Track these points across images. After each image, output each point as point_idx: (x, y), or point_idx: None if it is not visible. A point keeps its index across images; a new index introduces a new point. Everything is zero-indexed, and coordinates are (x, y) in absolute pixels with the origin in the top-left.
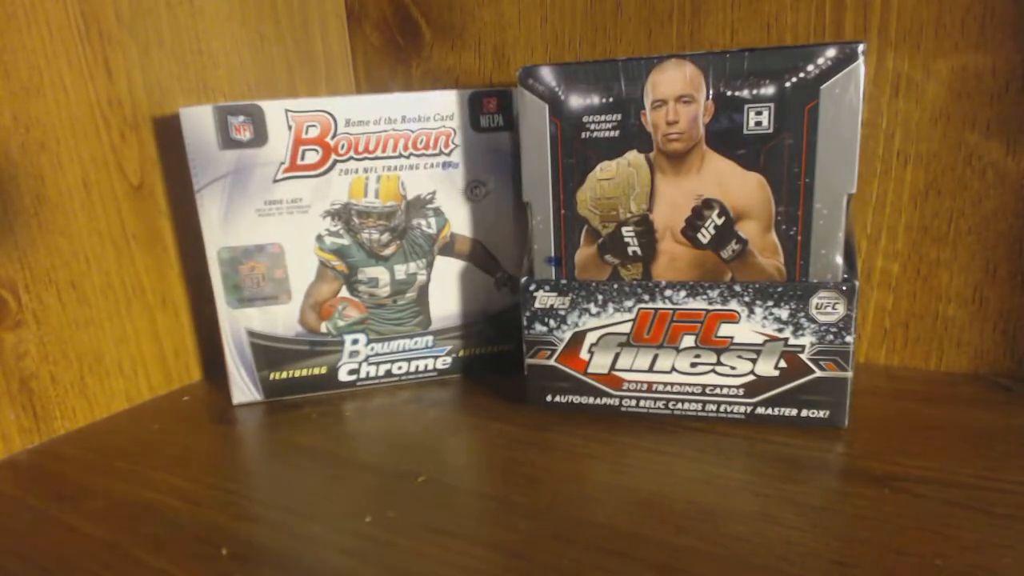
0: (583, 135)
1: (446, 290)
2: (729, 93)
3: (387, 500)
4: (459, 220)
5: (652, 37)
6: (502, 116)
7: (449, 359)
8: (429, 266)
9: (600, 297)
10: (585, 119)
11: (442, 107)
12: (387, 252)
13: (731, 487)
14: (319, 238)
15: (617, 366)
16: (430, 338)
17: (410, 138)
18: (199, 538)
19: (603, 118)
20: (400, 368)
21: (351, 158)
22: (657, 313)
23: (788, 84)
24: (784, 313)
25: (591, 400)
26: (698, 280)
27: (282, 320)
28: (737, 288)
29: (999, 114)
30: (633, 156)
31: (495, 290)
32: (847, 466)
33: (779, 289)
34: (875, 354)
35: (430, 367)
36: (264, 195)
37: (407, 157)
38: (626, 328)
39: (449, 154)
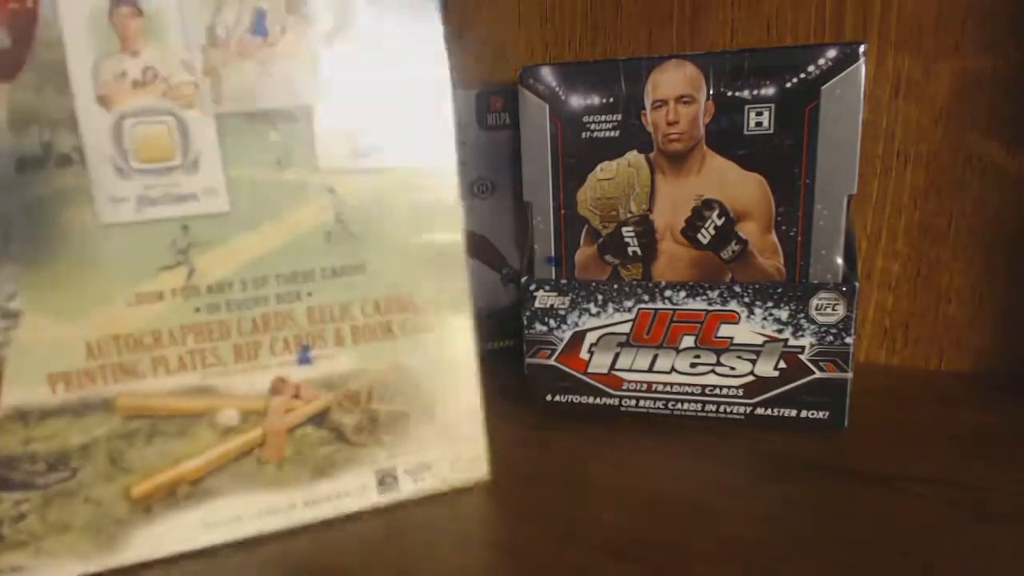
0: (583, 135)
1: None
2: (729, 93)
3: None
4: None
5: (652, 37)
6: (508, 115)
7: None
8: None
9: (600, 297)
10: (585, 119)
11: None
12: None
13: (730, 488)
14: None
15: (617, 366)
16: None
17: None
18: None
19: (603, 118)
20: None
21: None
22: (657, 313)
23: (788, 85)
24: (784, 314)
25: (591, 400)
26: (698, 280)
27: None
28: (737, 289)
29: (999, 114)
30: (633, 156)
31: (501, 286)
32: (847, 467)
33: (779, 290)
34: (875, 354)
35: None
36: None
37: None
38: (626, 328)
39: None
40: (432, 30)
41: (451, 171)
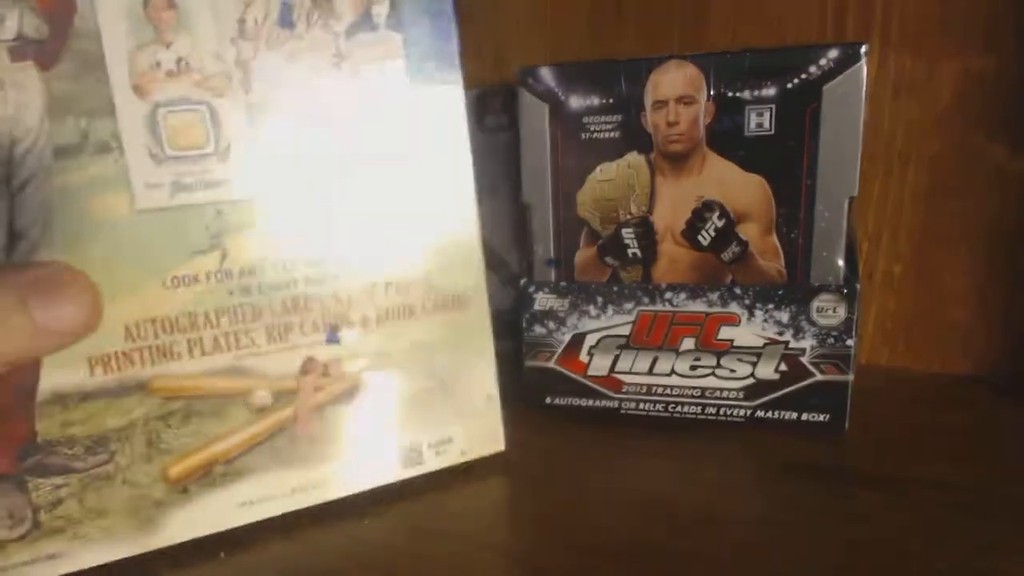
0: (583, 136)
1: None
2: (730, 94)
3: None
4: None
5: (652, 37)
6: (508, 116)
7: None
8: None
9: (600, 299)
10: (585, 120)
11: None
12: None
13: (731, 490)
14: None
15: (617, 368)
16: None
17: None
18: None
19: (603, 119)
20: None
21: None
22: (657, 315)
23: (790, 85)
24: (785, 316)
25: (591, 402)
26: (698, 282)
27: None
28: (737, 291)
29: (1003, 115)
30: (633, 157)
31: (501, 288)
32: (848, 469)
33: (780, 292)
34: (877, 356)
35: None
36: None
37: None
38: (626, 330)
39: None
40: (448, 28)
41: (464, 160)
